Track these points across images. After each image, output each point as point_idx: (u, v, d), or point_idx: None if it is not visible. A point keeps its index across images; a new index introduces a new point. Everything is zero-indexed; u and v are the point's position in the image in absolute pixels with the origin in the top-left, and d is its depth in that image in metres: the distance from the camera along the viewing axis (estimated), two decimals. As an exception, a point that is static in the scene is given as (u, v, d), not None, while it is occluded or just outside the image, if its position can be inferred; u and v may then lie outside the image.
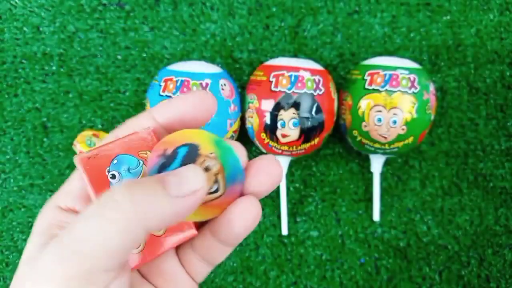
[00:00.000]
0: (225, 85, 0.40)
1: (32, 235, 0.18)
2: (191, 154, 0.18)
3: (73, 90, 0.46)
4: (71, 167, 0.45)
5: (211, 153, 0.18)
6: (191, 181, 0.16)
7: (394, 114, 0.39)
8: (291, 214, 0.47)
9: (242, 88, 0.45)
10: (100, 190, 0.18)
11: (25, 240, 0.46)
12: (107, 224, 0.15)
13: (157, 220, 0.16)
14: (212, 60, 0.46)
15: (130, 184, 0.16)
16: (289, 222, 0.46)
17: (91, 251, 0.15)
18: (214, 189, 0.18)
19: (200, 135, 0.18)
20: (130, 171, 0.18)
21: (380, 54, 0.46)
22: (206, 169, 0.18)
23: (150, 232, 0.16)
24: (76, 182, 0.19)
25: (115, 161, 0.18)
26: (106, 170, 0.18)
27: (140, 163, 0.18)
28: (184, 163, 0.18)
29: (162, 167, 0.18)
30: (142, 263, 0.19)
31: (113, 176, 0.18)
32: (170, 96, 0.38)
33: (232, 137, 0.41)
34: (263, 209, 0.47)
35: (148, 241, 0.19)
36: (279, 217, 0.46)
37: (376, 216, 0.46)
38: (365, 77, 0.40)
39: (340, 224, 0.47)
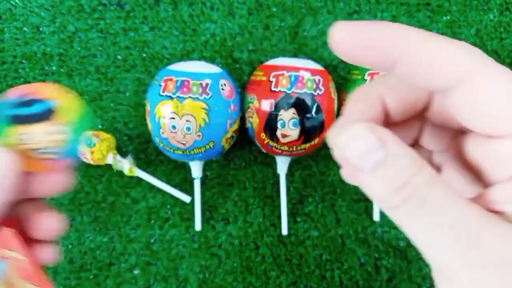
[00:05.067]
0: (225, 85, 0.40)
1: None
2: (46, 114, 0.20)
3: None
4: (71, 167, 0.45)
5: (68, 122, 0.20)
6: None
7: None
8: (291, 214, 0.47)
9: (242, 88, 0.45)
10: None
11: (25, 240, 0.46)
12: None
13: None
14: (212, 60, 0.46)
15: None
16: (289, 222, 0.46)
17: None
18: (51, 151, 0.19)
19: (71, 100, 0.20)
20: None
21: (380, 54, 0.46)
22: (53, 132, 0.20)
23: None
24: None
25: None
26: None
27: (2, 265, 0.18)
28: (33, 115, 0.19)
29: (14, 106, 0.19)
30: None
31: None
32: (170, 97, 0.38)
33: (232, 137, 0.41)
34: (263, 210, 0.47)
35: None
36: (279, 217, 0.46)
37: (376, 216, 0.46)
38: (365, 77, 0.40)
39: (340, 224, 0.47)
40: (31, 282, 0.19)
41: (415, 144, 0.20)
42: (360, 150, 0.15)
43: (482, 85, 0.14)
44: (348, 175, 0.18)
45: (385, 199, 0.15)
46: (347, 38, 0.15)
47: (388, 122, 0.18)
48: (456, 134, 0.18)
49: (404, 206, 0.14)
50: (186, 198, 0.45)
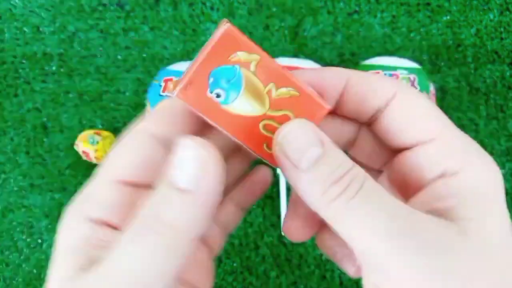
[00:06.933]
0: (225, 85, 0.40)
1: (66, 254, 0.15)
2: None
3: (73, 90, 0.46)
4: (71, 167, 0.45)
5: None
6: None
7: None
8: (291, 214, 0.47)
9: (242, 88, 0.45)
10: (214, 116, 0.17)
11: (25, 240, 0.45)
12: (152, 249, 0.13)
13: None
14: (212, 60, 0.46)
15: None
16: (289, 222, 0.46)
17: (137, 281, 0.13)
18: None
19: None
20: (231, 82, 0.17)
21: (380, 54, 0.46)
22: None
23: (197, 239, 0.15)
24: (106, 191, 0.16)
25: (211, 80, 0.16)
26: (207, 93, 0.16)
27: (236, 69, 0.16)
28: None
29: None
30: None
31: (218, 95, 0.17)
32: (170, 97, 0.38)
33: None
34: (263, 210, 0.47)
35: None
36: (279, 217, 0.46)
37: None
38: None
39: (340, 224, 0.47)
40: (276, 83, 0.17)
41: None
42: (299, 144, 0.15)
43: (402, 106, 0.17)
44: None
45: (321, 194, 0.15)
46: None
47: None
48: (388, 157, 0.19)
49: (340, 198, 0.14)
50: None
